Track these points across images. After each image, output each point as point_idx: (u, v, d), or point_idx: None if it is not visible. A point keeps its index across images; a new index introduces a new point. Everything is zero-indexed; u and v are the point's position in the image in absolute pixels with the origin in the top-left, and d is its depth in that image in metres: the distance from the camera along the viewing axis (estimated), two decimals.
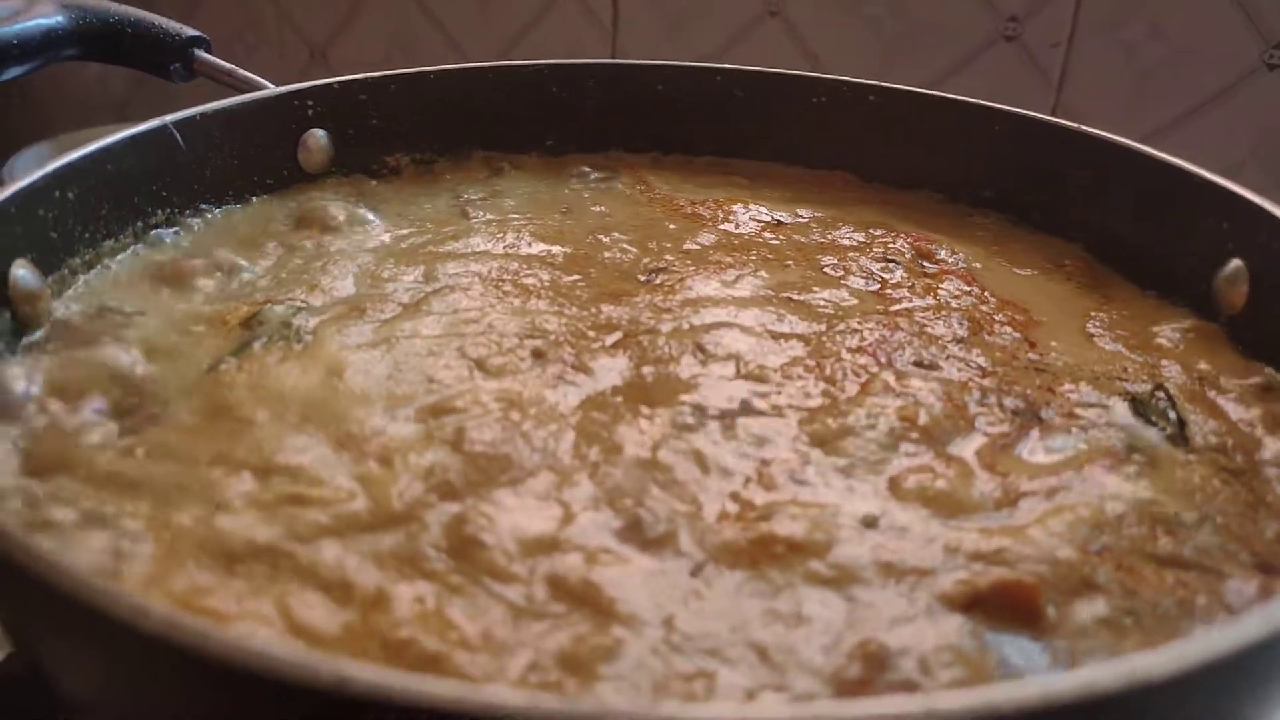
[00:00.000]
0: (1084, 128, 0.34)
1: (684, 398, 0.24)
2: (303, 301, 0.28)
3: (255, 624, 0.17)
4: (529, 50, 0.66)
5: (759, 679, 0.17)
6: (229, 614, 0.17)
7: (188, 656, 0.13)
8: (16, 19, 0.31)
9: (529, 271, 0.30)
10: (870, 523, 0.20)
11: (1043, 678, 0.15)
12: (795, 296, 0.29)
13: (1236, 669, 0.15)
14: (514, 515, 0.20)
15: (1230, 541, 0.21)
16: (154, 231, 0.30)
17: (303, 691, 0.13)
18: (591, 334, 0.26)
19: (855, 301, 0.29)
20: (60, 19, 0.33)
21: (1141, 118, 0.56)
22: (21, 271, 0.26)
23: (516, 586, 0.19)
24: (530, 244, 0.31)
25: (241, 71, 0.34)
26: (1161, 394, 0.25)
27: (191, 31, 0.35)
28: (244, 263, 0.29)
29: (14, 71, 0.31)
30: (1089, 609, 0.18)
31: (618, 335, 0.26)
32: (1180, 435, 0.24)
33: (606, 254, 0.31)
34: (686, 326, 0.27)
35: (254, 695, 0.13)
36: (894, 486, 0.21)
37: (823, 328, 0.27)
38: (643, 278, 0.30)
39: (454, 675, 0.17)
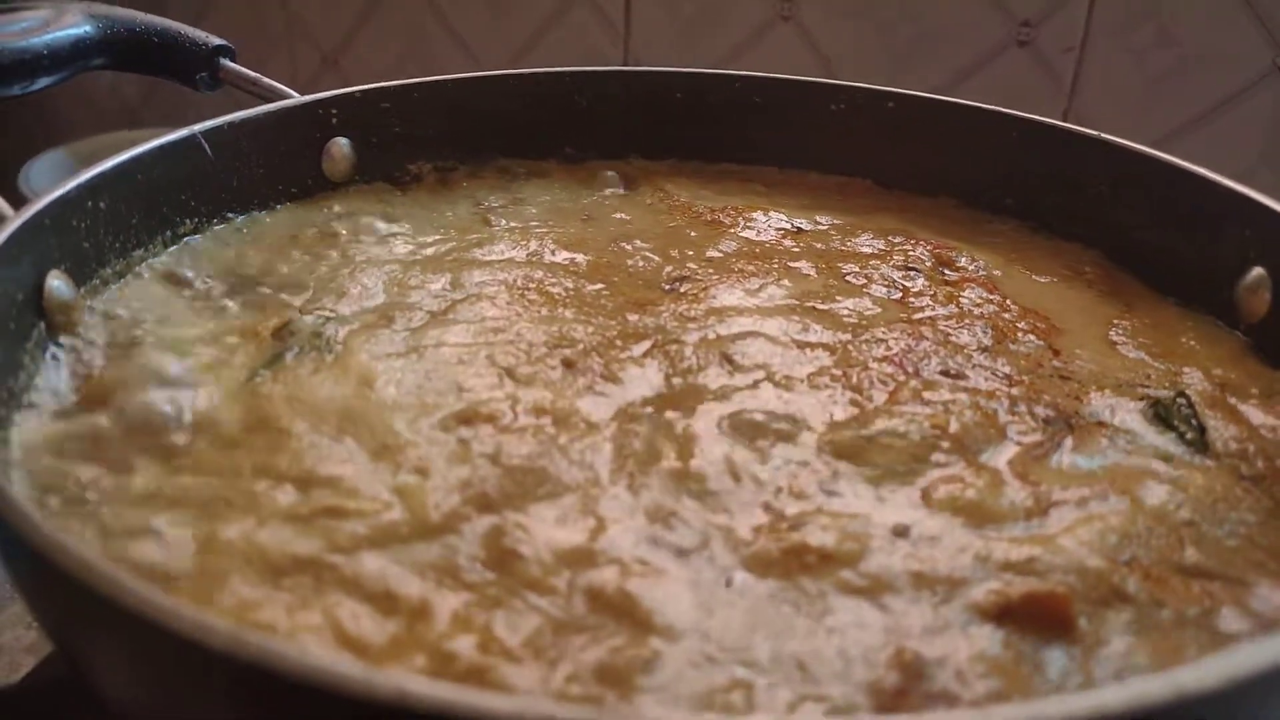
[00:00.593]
0: (1102, 134, 0.35)
1: (714, 408, 0.24)
2: (331, 311, 0.28)
3: (307, 636, 0.17)
4: (542, 56, 0.66)
5: (797, 690, 0.17)
6: (281, 627, 0.17)
7: (252, 672, 0.13)
8: (46, 29, 0.32)
9: (553, 279, 0.30)
10: (901, 532, 0.20)
11: (1095, 691, 0.15)
12: (819, 305, 0.29)
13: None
14: (550, 527, 0.20)
15: (1254, 550, 0.21)
16: (186, 240, 0.31)
17: (363, 705, 0.13)
18: (619, 343, 0.27)
19: (878, 310, 0.29)
20: (89, 29, 0.33)
21: (1153, 122, 0.56)
22: (56, 283, 0.26)
23: (554, 598, 0.19)
24: (553, 252, 0.32)
25: (266, 80, 0.35)
26: (1184, 400, 0.25)
27: (217, 40, 0.36)
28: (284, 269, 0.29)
29: (44, 81, 0.32)
30: (1119, 619, 0.19)
31: (645, 345, 0.27)
32: (1201, 442, 0.24)
33: (629, 262, 0.31)
34: (713, 336, 0.27)
35: (312, 708, 0.13)
36: (925, 496, 0.21)
37: (848, 337, 0.27)
38: (667, 286, 0.30)
39: (498, 687, 0.17)
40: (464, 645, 0.18)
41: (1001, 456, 0.23)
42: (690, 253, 0.32)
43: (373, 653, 0.17)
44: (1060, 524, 0.21)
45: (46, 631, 0.20)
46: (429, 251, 0.32)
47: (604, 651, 0.18)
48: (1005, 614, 0.18)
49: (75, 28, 0.33)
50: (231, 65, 0.36)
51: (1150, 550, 0.20)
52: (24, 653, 0.32)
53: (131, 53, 0.35)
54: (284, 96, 0.34)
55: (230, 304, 0.28)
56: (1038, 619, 0.18)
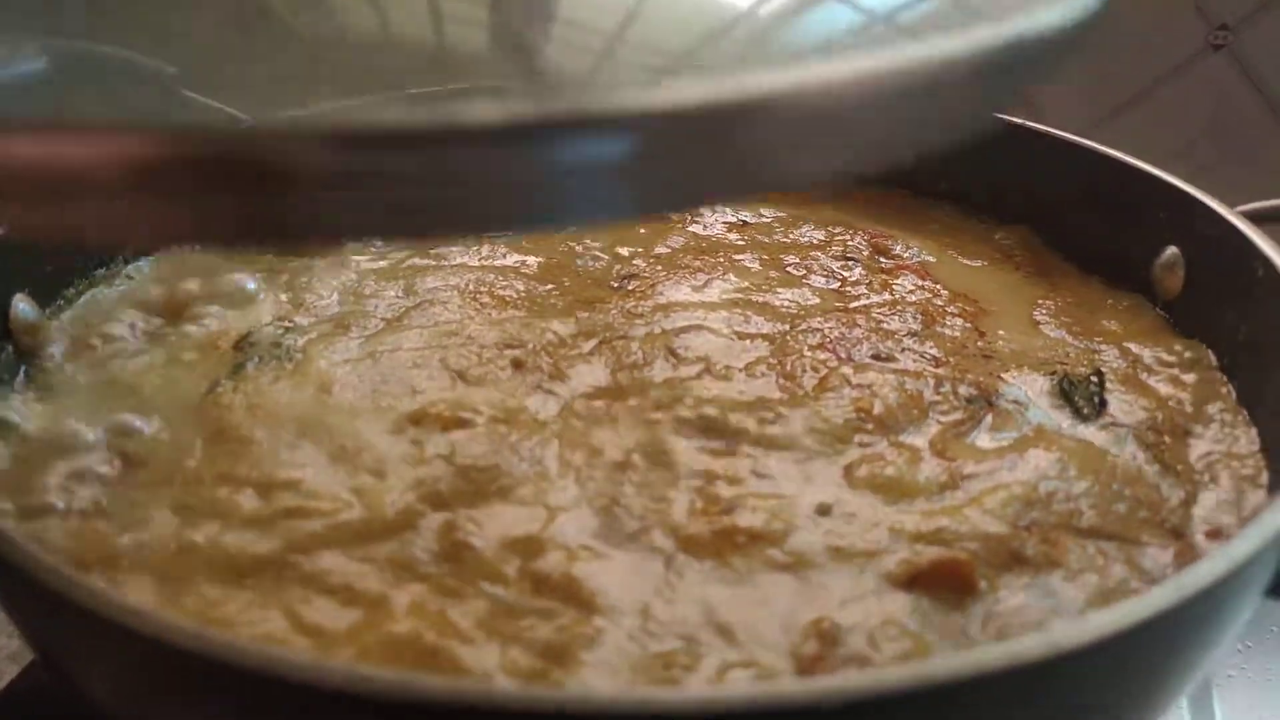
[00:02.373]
0: (1029, 123, 0.36)
1: (658, 400, 0.25)
2: (290, 322, 0.29)
3: (268, 629, 0.19)
4: None
5: (726, 658, 0.19)
6: (240, 621, 0.19)
7: (214, 665, 0.14)
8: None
9: (504, 283, 0.31)
10: (824, 511, 0.22)
11: (974, 650, 0.17)
12: (760, 298, 0.30)
13: (1150, 634, 0.17)
14: (500, 520, 0.22)
15: (1145, 509, 0.22)
16: (137, 262, 0.32)
17: (313, 691, 0.14)
18: (568, 342, 0.28)
19: (817, 300, 0.30)
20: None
21: (1097, 101, 0.58)
22: (22, 305, 0.27)
23: (505, 585, 0.20)
24: (505, 255, 0.33)
25: None
26: (1095, 377, 0.27)
27: None
28: (250, 285, 0.30)
29: None
30: (1018, 581, 0.20)
31: (593, 342, 0.28)
32: (1099, 415, 0.25)
33: (579, 262, 0.33)
34: (658, 331, 0.28)
35: (262, 693, 0.15)
36: (848, 475, 0.23)
37: (786, 327, 0.29)
38: (615, 284, 0.31)
39: (453, 666, 0.18)
40: (419, 630, 0.19)
41: (923, 435, 0.24)
42: (639, 250, 0.34)
43: (331, 640, 0.19)
44: (968, 495, 0.22)
45: (25, 636, 0.21)
46: (385, 260, 0.33)
47: (551, 630, 0.19)
48: (915, 581, 0.20)
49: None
50: None
51: (1050, 515, 0.22)
52: (6, 660, 0.33)
53: None
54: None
55: (194, 317, 0.29)
56: (943, 584, 0.20)
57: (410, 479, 0.23)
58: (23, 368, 0.27)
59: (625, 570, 0.21)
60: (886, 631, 0.19)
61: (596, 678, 0.18)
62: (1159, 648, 0.17)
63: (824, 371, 0.26)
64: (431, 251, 0.33)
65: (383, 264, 0.32)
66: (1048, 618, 0.19)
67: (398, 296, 0.30)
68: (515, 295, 0.30)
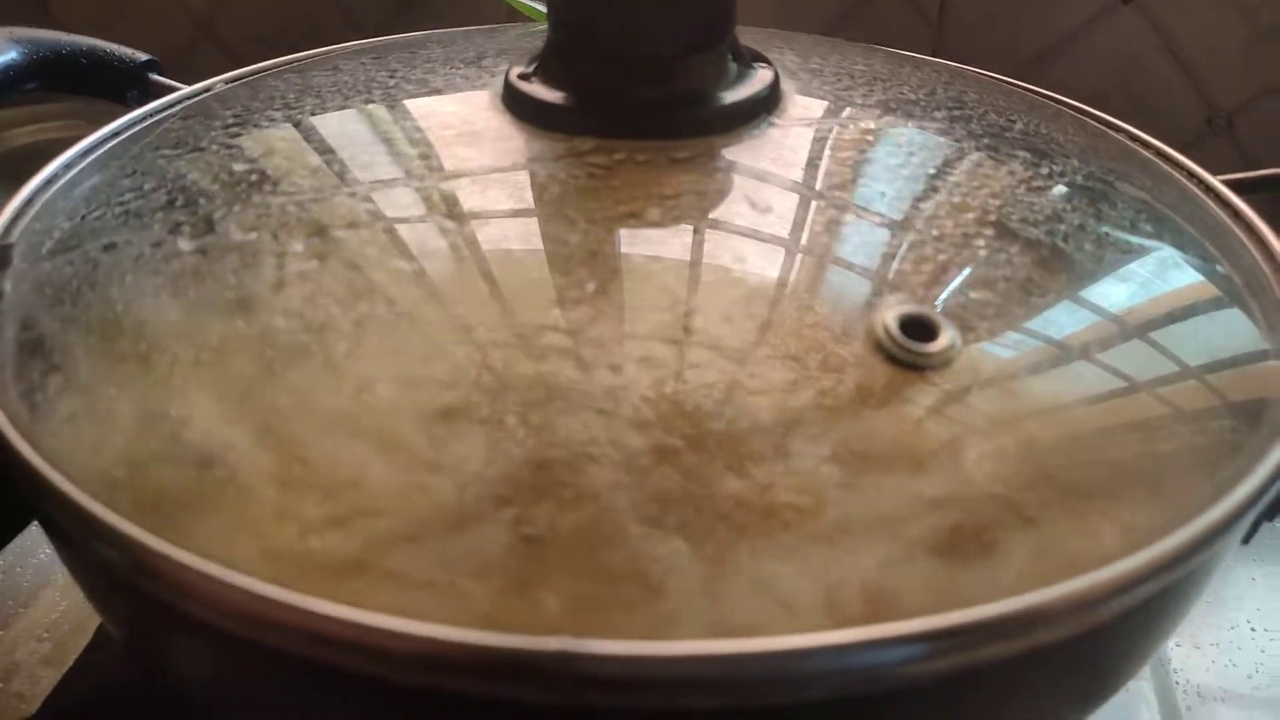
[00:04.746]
0: (965, 68, 0.38)
1: None
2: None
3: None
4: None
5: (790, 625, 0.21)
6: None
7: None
8: None
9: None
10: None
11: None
12: None
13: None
14: None
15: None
16: None
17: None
18: None
19: None
20: (15, 55, 0.34)
21: (1018, 51, 0.61)
22: None
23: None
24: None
25: (197, 86, 0.36)
26: None
27: (144, 56, 0.36)
28: None
29: None
30: (1027, 540, 0.23)
31: None
32: None
33: None
34: None
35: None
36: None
37: None
38: None
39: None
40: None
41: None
42: None
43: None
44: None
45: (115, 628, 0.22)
46: None
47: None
48: (934, 547, 0.22)
49: (3, 54, 0.34)
50: (160, 79, 0.37)
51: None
52: (41, 665, 0.34)
53: (61, 74, 0.35)
54: None
55: None
56: (963, 547, 0.22)
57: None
58: None
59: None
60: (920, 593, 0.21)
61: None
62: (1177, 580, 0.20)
63: None
64: None
65: None
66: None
67: None
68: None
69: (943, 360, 0.21)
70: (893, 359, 0.21)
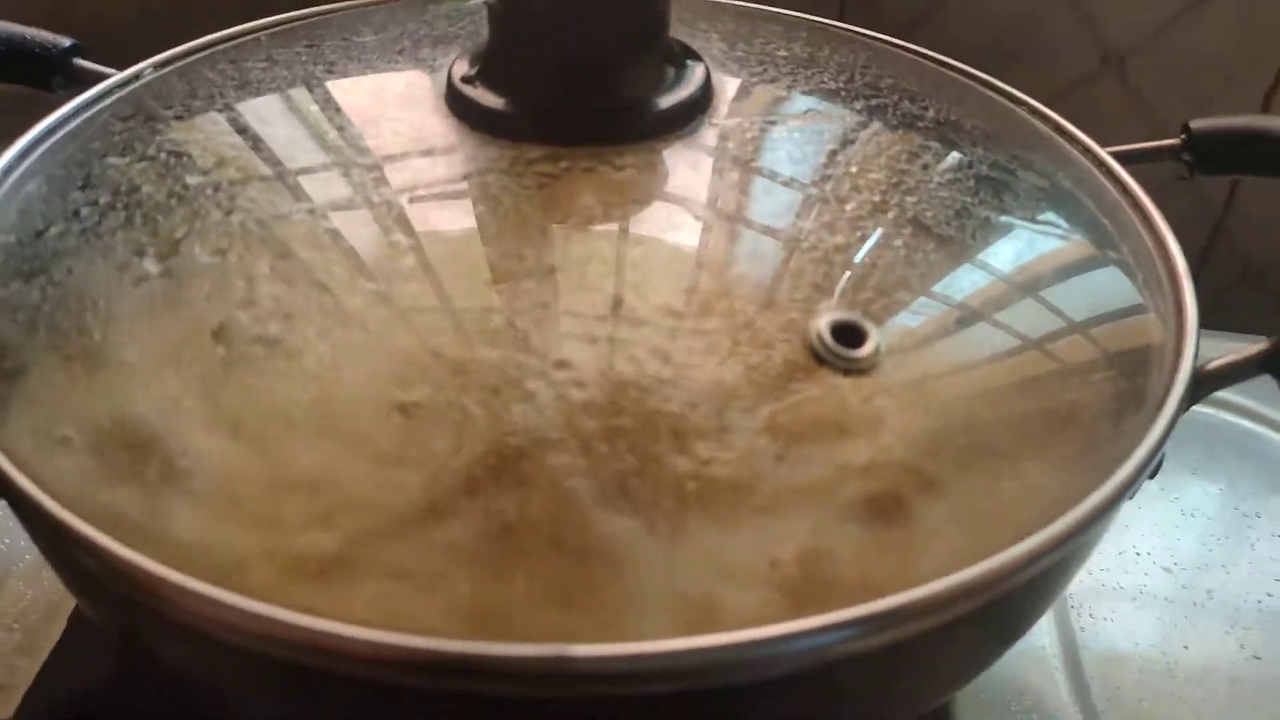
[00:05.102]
0: (878, 40, 0.40)
1: None
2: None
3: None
4: None
5: (710, 587, 0.23)
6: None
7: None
8: None
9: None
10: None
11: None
12: None
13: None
14: None
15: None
16: None
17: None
18: None
19: None
20: None
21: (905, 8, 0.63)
22: None
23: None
24: None
25: (126, 73, 0.36)
26: None
27: (67, 41, 0.36)
28: None
29: None
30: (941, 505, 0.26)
31: None
32: None
33: None
34: None
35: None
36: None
37: None
38: None
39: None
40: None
41: None
42: None
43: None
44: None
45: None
46: None
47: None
48: (861, 512, 0.24)
49: None
50: (86, 64, 0.36)
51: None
52: (15, 654, 0.35)
53: None
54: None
55: None
56: (884, 514, 0.24)
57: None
58: None
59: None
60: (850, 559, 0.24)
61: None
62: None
63: None
64: None
65: None
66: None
67: None
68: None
69: (869, 364, 0.24)
70: (823, 361, 0.24)
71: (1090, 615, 0.39)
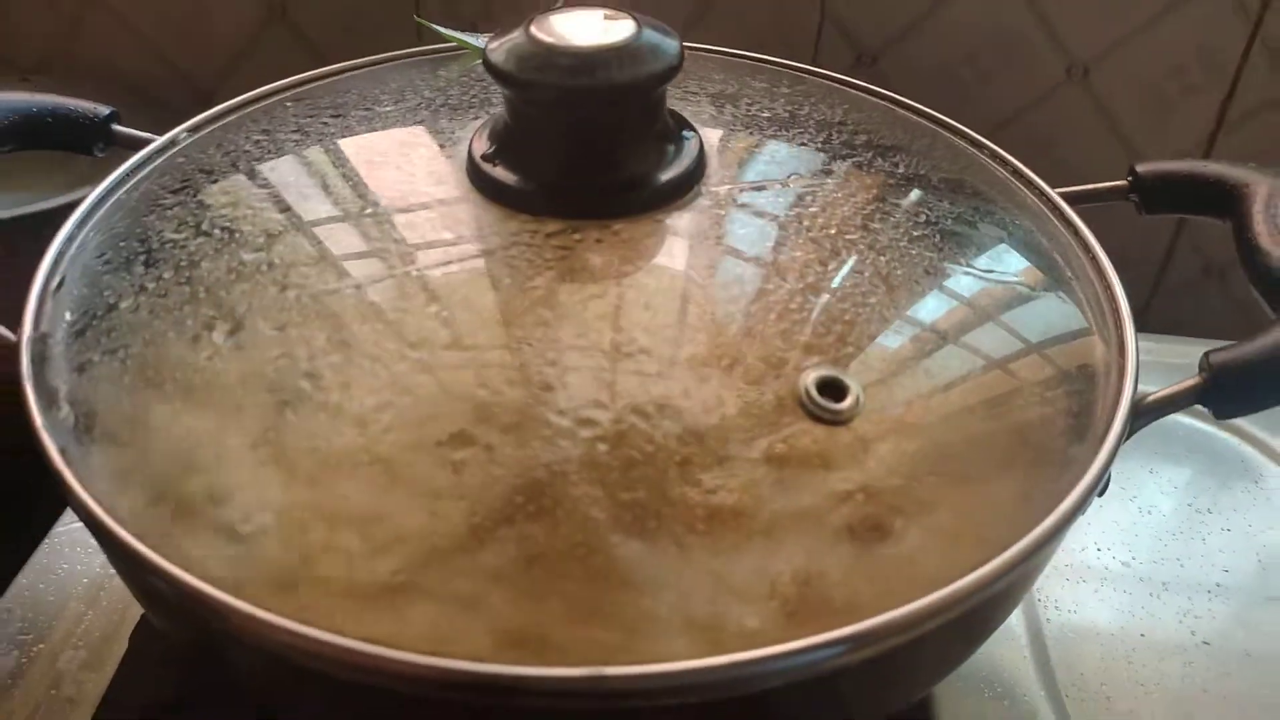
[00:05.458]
0: (857, 90, 0.43)
1: None
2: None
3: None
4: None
5: (715, 606, 0.27)
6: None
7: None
8: None
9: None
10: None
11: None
12: None
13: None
14: None
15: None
16: None
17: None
18: None
19: None
20: None
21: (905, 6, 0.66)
22: None
23: None
24: None
25: (163, 139, 0.39)
26: None
27: (105, 109, 0.39)
28: None
29: None
30: (923, 523, 0.29)
31: None
32: None
33: None
34: None
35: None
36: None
37: None
38: None
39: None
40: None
41: None
42: None
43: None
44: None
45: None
46: None
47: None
48: (848, 534, 0.28)
49: None
50: (122, 130, 0.39)
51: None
52: (82, 670, 0.38)
53: (32, 134, 0.38)
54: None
55: None
56: (868, 535, 0.28)
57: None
58: None
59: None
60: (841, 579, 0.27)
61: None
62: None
63: None
64: None
65: None
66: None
67: None
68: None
69: (850, 415, 0.27)
70: (810, 414, 0.27)
71: (1055, 607, 0.43)
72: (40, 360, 0.29)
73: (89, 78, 0.69)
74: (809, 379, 0.27)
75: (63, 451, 0.27)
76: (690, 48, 0.41)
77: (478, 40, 0.40)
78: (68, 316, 0.30)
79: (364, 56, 0.43)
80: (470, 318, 0.29)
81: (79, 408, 0.28)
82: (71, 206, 0.38)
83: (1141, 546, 0.45)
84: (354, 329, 0.28)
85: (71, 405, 0.28)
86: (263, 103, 0.40)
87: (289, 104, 0.39)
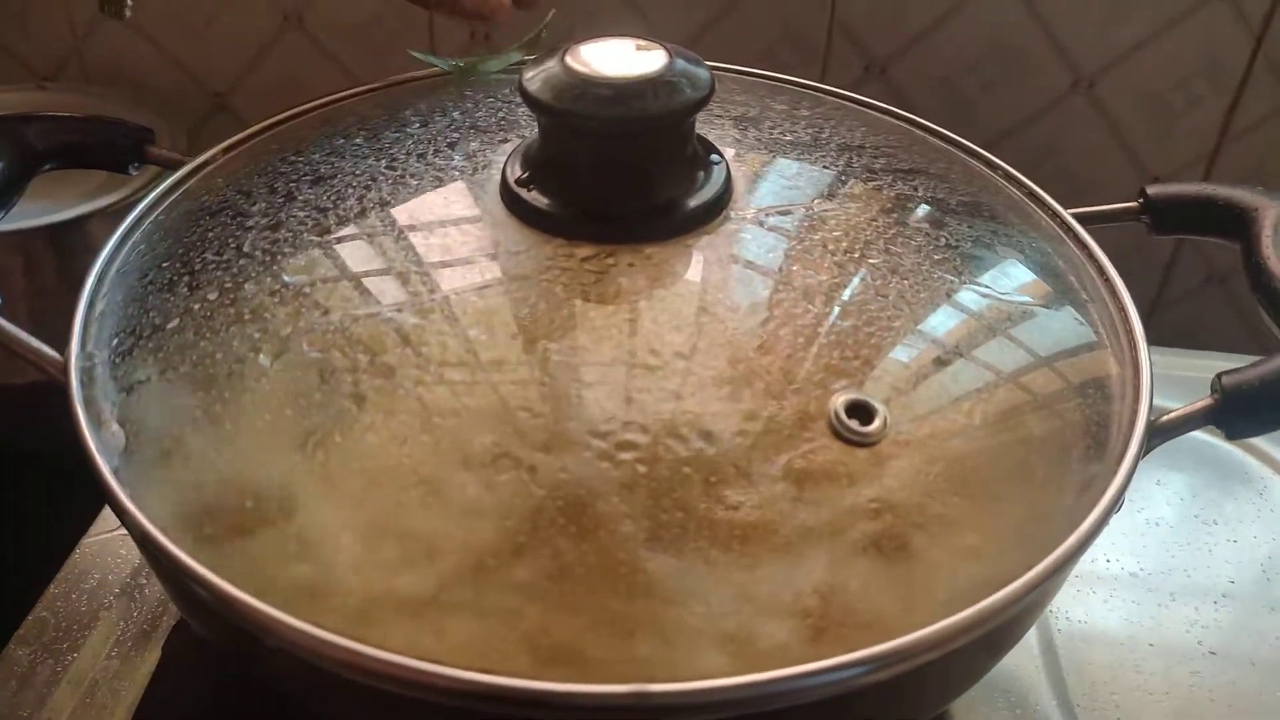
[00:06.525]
0: (876, 110, 0.44)
1: None
2: None
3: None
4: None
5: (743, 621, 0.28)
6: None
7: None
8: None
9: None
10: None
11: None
12: None
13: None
14: None
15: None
16: None
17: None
18: None
19: None
20: (37, 144, 0.37)
21: (907, 19, 0.66)
22: None
23: None
24: None
25: (198, 160, 0.40)
26: None
27: (141, 129, 0.40)
28: None
29: (15, 199, 0.36)
30: (948, 542, 0.30)
31: None
32: None
33: None
34: None
35: None
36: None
37: None
38: None
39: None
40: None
41: None
42: None
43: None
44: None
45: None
46: None
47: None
48: (867, 551, 0.29)
49: (26, 144, 0.37)
50: (155, 149, 0.40)
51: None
52: (115, 679, 0.39)
53: (71, 153, 0.39)
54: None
55: None
56: (887, 551, 0.29)
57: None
58: None
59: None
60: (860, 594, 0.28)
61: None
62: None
63: None
64: None
65: None
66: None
67: None
68: None
69: (878, 437, 0.28)
70: (839, 436, 0.28)
71: (1067, 618, 0.44)
72: (88, 380, 0.30)
73: (104, 84, 0.70)
74: (838, 402, 0.28)
75: (115, 472, 0.28)
76: (710, 67, 0.42)
77: (444, 64, 0.42)
78: (112, 337, 0.31)
79: (379, 65, 0.43)
80: (509, 340, 0.29)
81: (129, 428, 0.29)
82: (88, 218, 0.39)
83: (1150, 557, 0.46)
84: (396, 352, 0.29)
85: (122, 425, 0.29)
86: (293, 123, 0.41)
87: (320, 125, 0.40)
